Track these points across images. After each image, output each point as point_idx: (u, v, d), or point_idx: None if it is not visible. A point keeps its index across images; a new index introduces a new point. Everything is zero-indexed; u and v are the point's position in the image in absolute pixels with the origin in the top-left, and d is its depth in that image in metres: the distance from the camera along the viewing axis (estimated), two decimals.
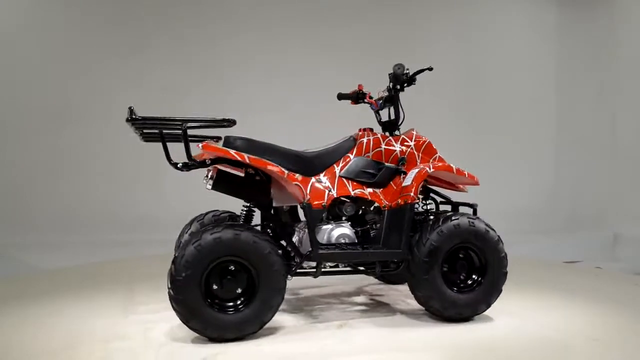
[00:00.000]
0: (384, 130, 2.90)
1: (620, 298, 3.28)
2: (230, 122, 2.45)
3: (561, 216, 6.04)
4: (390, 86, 2.84)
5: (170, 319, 2.73)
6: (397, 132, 2.86)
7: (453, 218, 2.58)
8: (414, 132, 2.83)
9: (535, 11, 6.34)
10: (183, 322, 2.26)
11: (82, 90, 5.35)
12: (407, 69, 2.82)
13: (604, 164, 6.12)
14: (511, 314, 2.82)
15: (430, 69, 2.81)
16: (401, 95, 2.84)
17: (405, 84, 2.82)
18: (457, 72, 6.11)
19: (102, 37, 5.38)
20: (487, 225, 2.62)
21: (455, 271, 2.63)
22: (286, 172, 2.47)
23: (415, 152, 2.77)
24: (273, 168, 2.44)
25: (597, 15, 6.20)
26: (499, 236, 2.63)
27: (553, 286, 3.55)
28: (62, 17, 5.31)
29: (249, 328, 2.32)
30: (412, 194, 2.60)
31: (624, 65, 6.03)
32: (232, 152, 2.44)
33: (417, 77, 2.83)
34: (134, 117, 2.45)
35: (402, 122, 2.87)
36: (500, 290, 2.67)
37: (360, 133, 2.78)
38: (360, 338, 2.41)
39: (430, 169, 2.67)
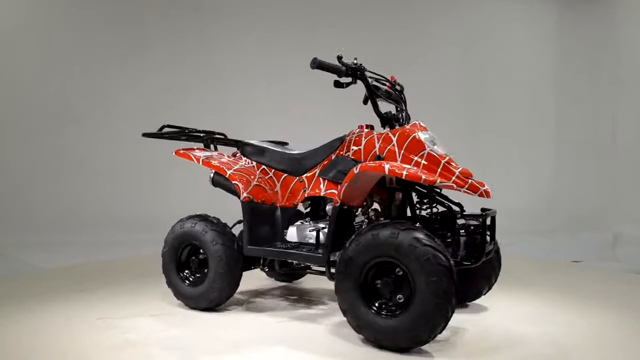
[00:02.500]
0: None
1: (620, 298, 3.28)
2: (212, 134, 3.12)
3: (561, 216, 6.04)
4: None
5: (169, 317, 2.73)
6: (389, 127, 2.57)
7: (376, 227, 2.20)
8: (406, 127, 2.49)
9: (536, 12, 6.33)
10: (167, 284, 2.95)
11: (82, 90, 5.35)
12: (361, 63, 2.54)
13: (604, 165, 6.11)
14: (508, 312, 2.83)
15: (339, 57, 2.49)
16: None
17: (357, 74, 2.50)
18: (457, 73, 6.11)
19: (102, 37, 5.38)
20: (418, 239, 2.08)
21: (382, 289, 2.21)
22: (228, 172, 2.80)
23: (397, 149, 2.43)
24: (217, 168, 2.83)
25: (598, 16, 6.20)
26: (436, 254, 2.05)
27: (552, 286, 3.55)
28: (62, 17, 5.31)
29: (201, 303, 2.83)
30: (337, 196, 2.45)
31: (625, 66, 6.03)
32: (192, 156, 2.90)
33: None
34: (145, 133, 3.13)
35: (395, 117, 2.58)
36: (435, 329, 2.08)
37: (354, 131, 2.66)
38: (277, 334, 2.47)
39: (357, 169, 2.32)
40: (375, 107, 2.55)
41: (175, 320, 2.69)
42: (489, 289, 2.88)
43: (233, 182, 2.79)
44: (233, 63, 5.67)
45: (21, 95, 5.17)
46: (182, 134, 3.08)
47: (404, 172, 2.22)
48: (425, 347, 2.26)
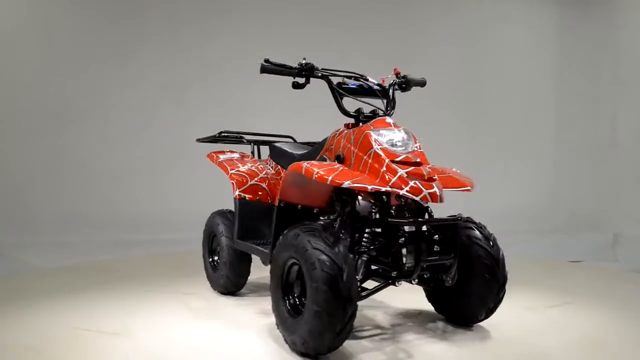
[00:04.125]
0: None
1: (620, 297, 3.28)
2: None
3: (561, 216, 6.04)
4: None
5: (166, 316, 2.73)
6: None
7: (291, 227, 2.17)
8: (366, 124, 2.33)
9: (535, 12, 6.33)
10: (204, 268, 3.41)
11: (82, 90, 5.35)
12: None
13: (604, 165, 6.12)
14: (507, 312, 2.83)
15: (266, 60, 2.48)
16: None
17: (304, 73, 2.48)
18: (457, 73, 6.11)
19: (102, 37, 5.38)
20: (310, 241, 2.00)
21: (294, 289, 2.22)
22: (230, 172, 3.06)
23: (353, 148, 2.30)
24: (223, 168, 3.12)
25: (598, 16, 6.20)
26: (322, 259, 1.94)
27: (552, 286, 3.55)
28: (62, 17, 5.31)
29: (217, 287, 3.24)
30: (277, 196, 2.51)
31: (625, 66, 6.03)
32: (215, 157, 3.23)
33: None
34: (200, 138, 3.49)
35: (357, 113, 2.43)
36: (320, 339, 1.98)
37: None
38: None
39: (288, 170, 2.34)
40: (338, 105, 2.46)
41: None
42: (487, 312, 2.48)
43: (231, 181, 3.03)
44: (233, 61, 5.66)
45: (21, 95, 5.16)
46: (234, 139, 3.38)
47: (315, 173, 2.12)
48: (423, 340, 2.25)
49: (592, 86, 6.23)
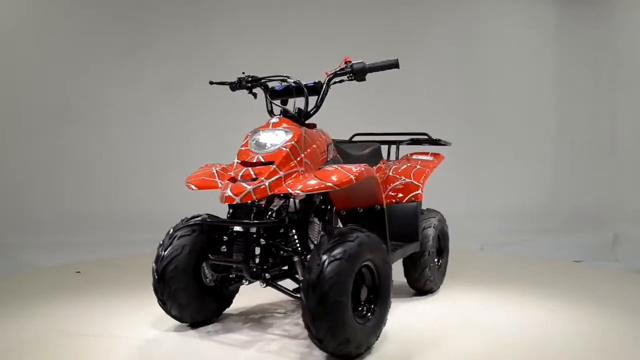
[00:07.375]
0: None
1: (620, 298, 3.28)
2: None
3: (561, 216, 6.04)
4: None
5: (163, 316, 2.73)
6: None
7: None
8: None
9: (536, 12, 6.34)
10: None
11: (82, 90, 5.35)
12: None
13: (604, 164, 6.12)
14: (507, 312, 2.83)
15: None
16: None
17: (237, 86, 2.75)
18: (457, 72, 6.11)
19: (102, 36, 5.38)
20: (168, 233, 2.42)
21: None
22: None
23: None
24: None
25: (598, 16, 6.21)
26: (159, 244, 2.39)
27: (552, 285, 3.55)
28: (62, 17, 5.31)
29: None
30: None
31: (625, 65, 6.04)
32: None
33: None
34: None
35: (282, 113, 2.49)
36: (160, 307, 2.45)
37: None
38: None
39: None
40: (268, 108, 2.61)
41: None
42: (320, 345, 1.97)
43: None
44: (234, 61, 5.66)
45: (21, 95, 5.17)
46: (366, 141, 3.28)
47: (193, 173, 2.41)
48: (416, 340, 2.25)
49: (592, 86, 6.23)
